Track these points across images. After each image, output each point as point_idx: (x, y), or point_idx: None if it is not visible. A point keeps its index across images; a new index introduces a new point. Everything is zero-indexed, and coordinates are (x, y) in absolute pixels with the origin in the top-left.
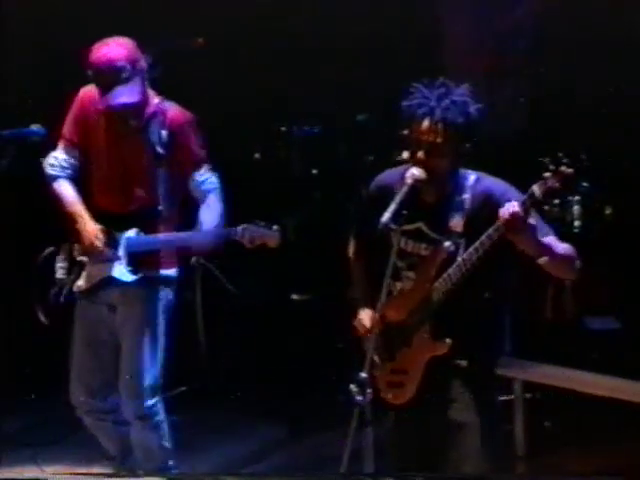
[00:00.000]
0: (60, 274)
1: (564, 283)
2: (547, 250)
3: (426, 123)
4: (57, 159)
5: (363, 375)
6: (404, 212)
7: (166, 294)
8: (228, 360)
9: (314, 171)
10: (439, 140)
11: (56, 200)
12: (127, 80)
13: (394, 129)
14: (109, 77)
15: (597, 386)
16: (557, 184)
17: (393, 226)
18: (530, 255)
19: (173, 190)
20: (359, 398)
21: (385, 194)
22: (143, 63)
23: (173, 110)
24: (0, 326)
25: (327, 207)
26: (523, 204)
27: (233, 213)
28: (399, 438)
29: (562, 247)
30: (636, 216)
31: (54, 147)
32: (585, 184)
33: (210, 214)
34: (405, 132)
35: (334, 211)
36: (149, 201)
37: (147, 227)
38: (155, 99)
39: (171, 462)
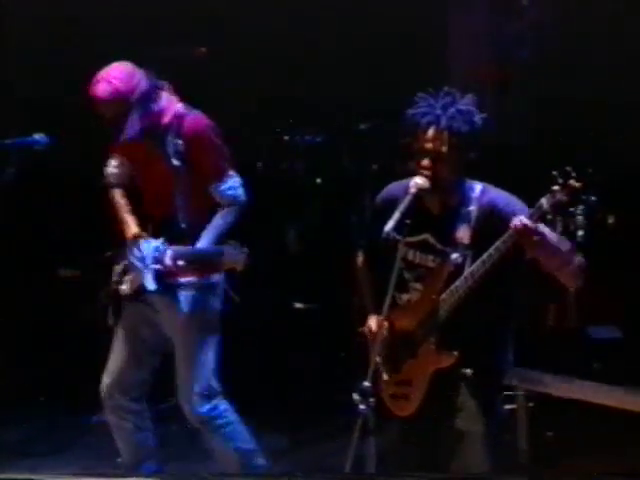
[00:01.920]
0: (114, 277)
1: (567, 293)
2: (563, 255)
3: (431, 131)
4: (111, 168)
5: (366, 384)
6: (407, 222)
7: (203, 300)
8: (230, 368)
9: (318, 180)
10: (444, 148)
11: (111, 208)
12: (129, 110)
13: (398, 138)
14: (109, 112)
15: (600, 396)
16: (565, 197)
17: (397, 236)
18: (542, 262)
19: (196, 200)
20: (362, 407)
21: (391, 206)
22: (143, 85)
23: (190, 118)
24: (1, 335)
25: (330, 216)
26: (531, 217)
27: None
28: (402, 448)
29: (577, 258)
30: (639, 226)
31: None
32: (593, 198)
33: (206, 231)
34: (410, 141)
35: (338, 219)
36: (169, 212)
37: (170, 238)
38: (173, 108)
39: (258, 461)
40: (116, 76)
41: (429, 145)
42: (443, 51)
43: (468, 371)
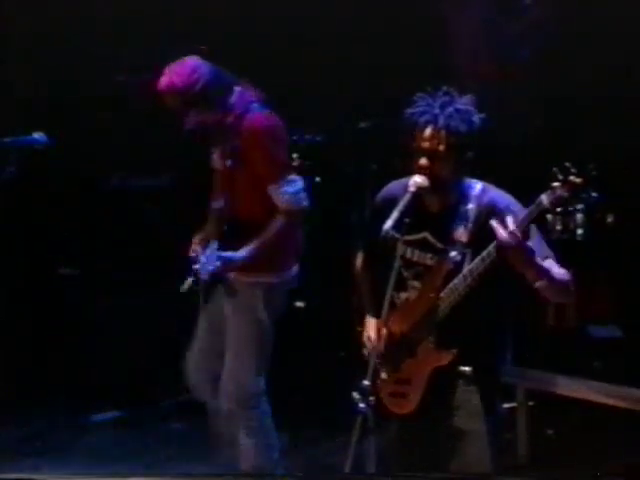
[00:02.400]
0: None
1: None
2: (545, 274)
3: (429, 130)
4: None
5: (366, 383)
6: (406, 220)
7: (257, 298)
8: None
9: (317, 179)
10: (442, 147)
11: None
12: (190, 104)
13: (397, 137)
14: (169, 104)
15: (600, 394)
16: (566, 194)
17: (396, 235)
18: (528, 279)
19: (256, 201)
20: (361, 406)
21: (390, 205)
22: (207, 81)
23: (249, 117)
24: (0, 335)
25: (331, 215)
26: (530, 214)
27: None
28: (402, 447)
29: (560, 272)
30: (638, 223)
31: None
32: (594, 194)
33: (257, 237)
34: (408, 140)
35: (337, 219)
36: (232, 211)
37: (232, 237)
38: (241, 107)
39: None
40: (177, 70)
41: (427, 144)
42: (443, 50)
43: (467, 369)
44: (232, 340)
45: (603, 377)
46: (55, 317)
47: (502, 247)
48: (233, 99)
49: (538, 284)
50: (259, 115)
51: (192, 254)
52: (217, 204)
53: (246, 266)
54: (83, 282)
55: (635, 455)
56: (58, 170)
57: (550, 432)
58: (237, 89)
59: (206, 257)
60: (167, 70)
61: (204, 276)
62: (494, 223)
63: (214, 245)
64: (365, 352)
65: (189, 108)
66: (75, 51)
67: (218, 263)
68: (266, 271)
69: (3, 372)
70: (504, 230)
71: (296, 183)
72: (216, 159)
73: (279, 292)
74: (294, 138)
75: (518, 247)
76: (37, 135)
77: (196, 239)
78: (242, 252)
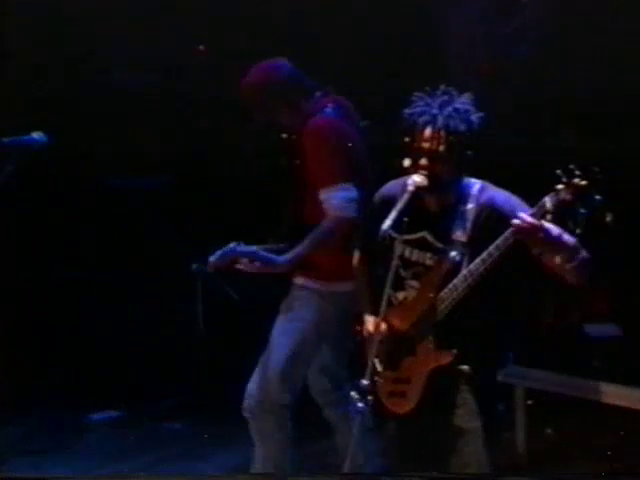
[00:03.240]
0: None
1: (565, 290)
2: (576, 255)
3: (428, 131)
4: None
5: (364, 382)
6: (405, 220)
7: (302, 302)
8: (229, 366)
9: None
10: (441, 148)
11: None
12: (264, 102)
13: (396, 137)
14: (246, 100)
15: (599, 394)
16: (569, 196)
17: (394, 234)
18: (546, 259)
19: (314, 201)
20: (360, 405)
21: (388, 205)
22: (284, 81)
23: (312, 121)
24: (2, 333)
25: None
26: (534, 215)
27: (235, 222)
28: (401, 446)
29: (584, 252)
30: (637, 223)
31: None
32: (598, 197)
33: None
34: (407, 140)
35: None
36: (297, 214)
37: (292, 238)
38: (313, 111)
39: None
40: (257, 68)
41: (426, 144)
42: (442, 49)
43: (466, 368)
44: (271, 339)
45: (603, 377)
46: (55, 317)
47: (520, 232)
48: (311, 103)
49: (560, 264)
50: (322, 118)
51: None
52: None
53: (294, 268)
54: (83, 282)
55: (635, 455)
56: (58, 170)
57: (549, 432)
58: (317, 94)
59: (231, 249)
60: (252, 69)
61: (212, 258)
62: (514, 221)
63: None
64: (366, 338)
65: (264, 105)
66: (75, 51)
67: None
68: (322, 279)
69: (4, 372)
70: (523, 224)
71: (349, 191)
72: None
73: (336, 304)
74: (293, 137)
75: (544, 233)
76: (37, 135)
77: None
78: (286, 256)
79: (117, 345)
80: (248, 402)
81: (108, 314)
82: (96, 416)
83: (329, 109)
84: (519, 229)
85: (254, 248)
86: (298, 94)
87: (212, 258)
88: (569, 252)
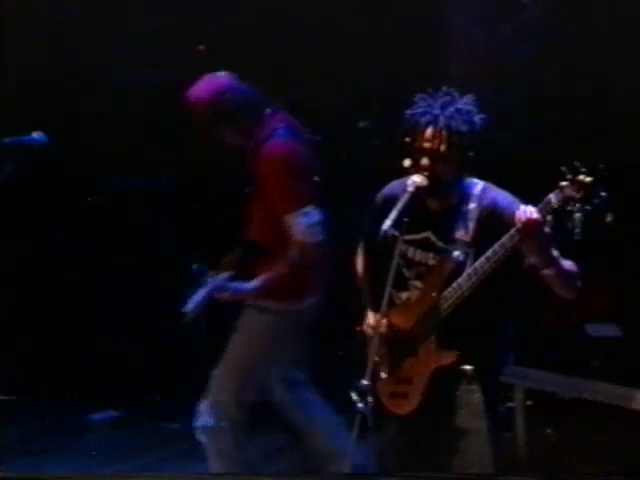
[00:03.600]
0: None
1: None
2: (556, 262)
3: (430, 131)
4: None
5: (364, 382)
6: (405, 220)
7: (258, 322)
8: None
9: (316, 178)
10: (443, 148)
11: None
12: (215, 121)
13: (398, 137)
14: (195, 118)
15: (599, 394)
16: (574, 193)
17: (396, 234)
18: (537, 266)
19: (274, 228)
20: (360, 406)
21: (390, 205)
22: (236, 100)
23: (269, 144)
24: (1, 332)
25: (330, 214)
26: (540, 211)
27: (235, 222)
28: (402, 447)
29: (568, 263)
30: (637, 222)
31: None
32: (603, 194)
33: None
34: (409, 140)
35: (337, 218)
36: (252, 235)
37: (248, 261)
38: (266, 131)
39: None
40: (204, 86)
41: (428, 145)
42: (443, 49)
43: (468, 368)
44: (226, 355)
45: (603, 377)
46: (55, 317)
47: (523, 231)
48: (260, 123)
49: (547, 271)
50: (278, 142)
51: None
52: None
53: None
54: (83, 282)
55: (635, 455)
56: (58, 170)
57: (549, 432)
58: (267, 112)
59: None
60: (196, 83)
61: (189, 306)
62: (520, 211)
63: (224, 275)
64: (367, 338)
65: (213, 124)
66: (75, 51)
67: (204, 294)
68: (272, 298)
69: (4, 372)
70: (528, 215)
71: (312, 215)
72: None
73: (288, 321)
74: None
75: (541, 231)
76: (37, 135)
77: (224, 262)
78: (254, 283)
79: (117, 345)
80: (202, 422)
81: (108, 314)
82: (96, 416)
83: (281, 130)
84: (524, 224)
85: (221, 280)
86: (245, 113)
87: (190, 307)
88: (552, 258)
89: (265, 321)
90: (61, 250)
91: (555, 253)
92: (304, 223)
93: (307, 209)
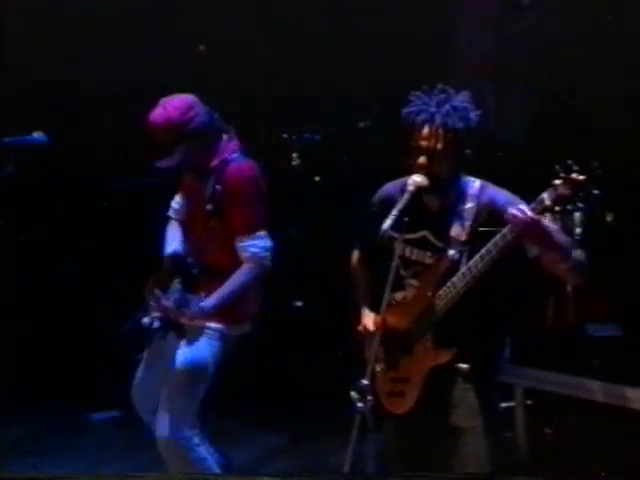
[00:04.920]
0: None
1: (566, 290)
2: (566, 251)
3: (426, 129)
4: (174, 203)
5: (364, 382)
6: (405, 219)
7: (206, 343)
8: (228, 367)
9: (316, 178)
10: (439, 146)
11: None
12: (179, 141)
13: (396, 136)
14: (159, 138)
15: (599, 394)
16: (567, 191)
17: (395, 234)
18: (541, 257)
19: (226, 250)
20: (360, 405)
21: (388, 205)
22: (200, 121)
23: (233, 166)
24: (1, 333)
25: (329, 214)
26: (533, 210)
27: None
28: (400, 446)
29: (577, 251)
30: (638, 222)
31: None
32: (596, 192)
33: (221, 288)
34: (406, 139)
35: (336, 218)
36: (201, 254)
37: (191, 280)
38: (225, 153)
39: None
40: (174, 105)
41: (424, 143)
42: (443, 49)
43: (464, 366)
44: (172, 375)
45: (603, 377)
46: (55, 317)
47: (520, 230)
48: (219, 145)
49: (555, 262)
50: (244, 164)
51: (151, 297)
52: (177, 247)
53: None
54: (83, 282)
55: (635, 455)
56: (58, 170)
57: (549, 431)
58: (224, 136)
59: (173, 301)
60: (160, 103)
61: (156, 323)
62: (512, 211)
63: (177, 288)
64: (365, 338)
65: (178, 144)
66: (75, 51)
67: (185, 309)
68: (221, 320)
69: (3, 372)
70: (522, 217)
71: (264, 241)
72: (190, 203)
73: (230, 343)
74: (293, 137)
75: (537, 229)
76: (37, 135)
77: (152, 282)
78: (211, 300)
79: (117, 345)
80: (162, 439)
81: (107, 314)
82: (96, 416)
83: (238, 155)
84: (517, 223)
85: (172, 302)
86: (212, 134)
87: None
88: (563, 250)
89: (215, 344)
90: (61, 249)
91: (564, 240)
92: (259, 246)
93: (261, 233)
